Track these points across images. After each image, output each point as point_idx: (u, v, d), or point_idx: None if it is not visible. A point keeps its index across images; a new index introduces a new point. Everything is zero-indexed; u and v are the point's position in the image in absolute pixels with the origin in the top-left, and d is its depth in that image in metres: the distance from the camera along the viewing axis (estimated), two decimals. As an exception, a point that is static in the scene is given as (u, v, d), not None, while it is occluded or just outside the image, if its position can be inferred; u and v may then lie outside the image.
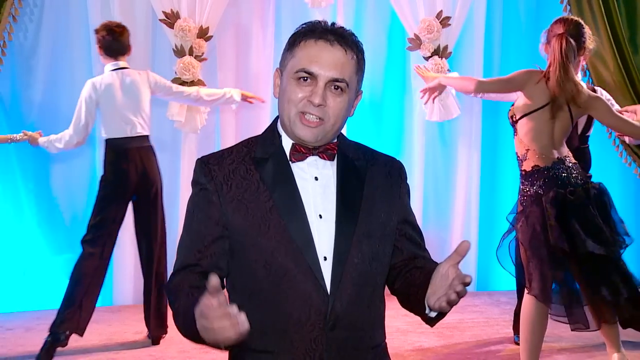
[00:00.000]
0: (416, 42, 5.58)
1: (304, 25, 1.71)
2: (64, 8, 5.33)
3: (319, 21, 1.71)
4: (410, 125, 5.86)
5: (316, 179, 1.69)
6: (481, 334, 4.55)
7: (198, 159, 1.72)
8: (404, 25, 5.59)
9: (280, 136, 1.73)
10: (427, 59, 5.57)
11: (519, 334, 3.65)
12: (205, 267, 1.65)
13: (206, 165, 1.69)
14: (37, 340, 4.17)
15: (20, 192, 5.38)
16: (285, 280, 1.62)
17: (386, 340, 1.81)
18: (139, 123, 4.36)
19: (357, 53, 1.71)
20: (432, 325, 1.69)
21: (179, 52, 5.20)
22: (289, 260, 1.61)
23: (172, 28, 5.17)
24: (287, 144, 1.72)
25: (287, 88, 1.66)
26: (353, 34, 1.73)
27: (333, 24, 1.71)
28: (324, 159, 1.71)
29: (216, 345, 1.48)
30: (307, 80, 1.65)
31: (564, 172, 3.46)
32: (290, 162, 1.69)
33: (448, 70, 5.55)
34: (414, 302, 1.68)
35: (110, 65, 4.38)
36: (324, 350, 1.63)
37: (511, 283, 5.93)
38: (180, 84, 5.16)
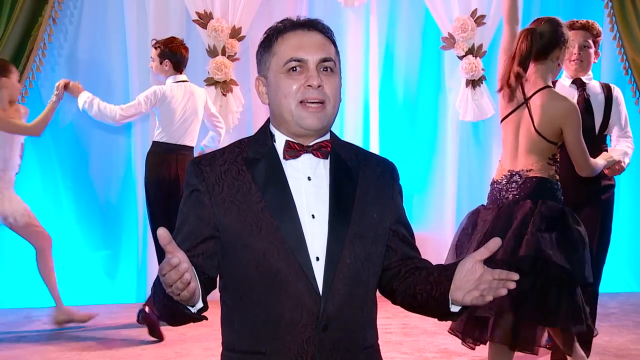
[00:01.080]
0: (450, 41, 5.53)
1: (271, 28, 1.73)
2: (102, 10, 5.45)
3: (285, 19, 1.73)
4: (444, 125, 5.81)
5: (309, 178, 1.69)
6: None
7: (190, 160, 1.73)
8: (437, 24, 5.56)
9: (272, 136, 1.73)
10: (461, 58, 5.53)
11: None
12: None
13: (198, 167, 1.69)
14: (73, 334, 4.26)
15: (59, 190, 5.53)
16: (277, 281, 1.62)
17: (378, 342, 1.80)
18: (193, 134, 4.65)
19: (331, 36, 1.73)
20: (454, 319, 1.70)
21: (212, 52, 5.27)
22: (280, 261, 1.61)
23: (205, 28, 5.24)
24: (280, 143, 1.71)
25: (280, 84, 1.66)
26: (323, 22, 1.74)
27: (298, 17, 1.72)
28: (318, 157, 1.70)
29: (183, 313, 1.52)
30: (297, 69, 1.65)
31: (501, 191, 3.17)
32: (283, 162, 1.69)
33: (482, 69, 5.49)
34: (427, 300, 1.68)
35: (173, 77, 4.61)
36: (317, 351, 1.63)
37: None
38: (212, 84, 5.24)
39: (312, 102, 1.65)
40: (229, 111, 5.25)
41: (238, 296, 1.66)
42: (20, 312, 5.21)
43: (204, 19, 5.24)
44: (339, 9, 5.51)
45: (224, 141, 5.44)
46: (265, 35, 1.72)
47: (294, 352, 1.62)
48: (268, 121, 1.76)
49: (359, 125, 5.76)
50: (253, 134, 1.83)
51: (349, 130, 5.75)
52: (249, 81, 5.48)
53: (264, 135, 1.73)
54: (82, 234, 5.56)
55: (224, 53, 5.25)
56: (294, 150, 1.69)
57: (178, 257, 1.37)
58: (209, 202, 1.66)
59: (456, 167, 5.76)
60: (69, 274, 5.45)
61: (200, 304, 1.56)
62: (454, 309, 1.64)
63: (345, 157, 1.74)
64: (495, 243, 1.56)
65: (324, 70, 1.67)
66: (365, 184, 1.73)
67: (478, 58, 5.50)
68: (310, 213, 1.66)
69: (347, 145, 1.79)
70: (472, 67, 5.44)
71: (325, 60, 1.67)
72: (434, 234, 5.86)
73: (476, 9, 5.51)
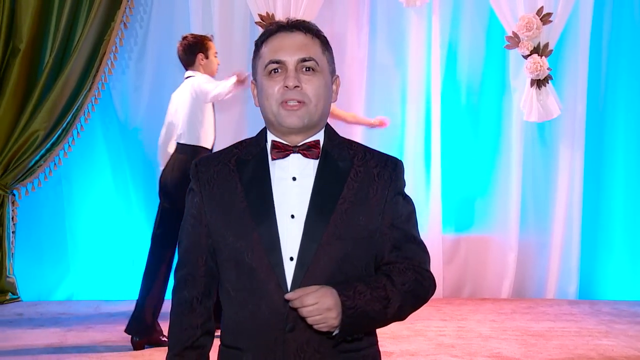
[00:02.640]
0: (514, 40, 5.43)
1: (262, 32, 1.77)
2: (169, 14, 5.64)
3: (274, 22, 1.76)
4: (508, 126, 5.70)
5: (294, 179, 1.69)
6: (568, 344, 4.35)
7: (193, 161, 1.79)
8: (501, 22, 5.46)
9: (266, 137, 1.74)
10: (525, 57, 5.41)
11: None
12: (201, 275, 1.74)
13: (196, 167, 1.75)
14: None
15: (129, 188, 5.75)
16: (250, 280, 1.66)
17: (378, 346, 1.77)
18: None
19: (317, 35, 1.72)
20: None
21: (274, 54, 5.35)
22: (254, 261, 1.64)
23: (267, 31, 5.33)
24: (270, 144, 1.73)
25: (263, 86, 1.69)
26: (312, 22, 1.75)
27: (288, 19, 1.74)
28: (307, 157, 1.70)
29: None
30: (277, 71, 1.67)
31: None
32: (271, 163, 1.70)
33: (548, 68, 5.36)
34: None
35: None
36: (282, 351, 1.65)
37: (616, 292, 5.67)
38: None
39: (291, 102, 1.66)
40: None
41: (223, 293, 1.73)
42: (91, 304, 5.45)
43: (266, 21, 5.33)
44: (402, 9, 5.49)
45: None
46: (256, 41, 1.76)
47: (263, 351, 1.66)
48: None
49: (420, 126, 5.73)
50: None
51: (410, 132, 5.73)
52: (310, 82, 5.55)
53: (260, 136, 1.75)
54: (151, 230, 5.75)
55: (285, 55, 5.33)
56: (280, 150, 1.70)
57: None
58: (201, 202, 1.72)
59: (521, 168, 5.64)
60: (138, 270, 5.66)
61: None
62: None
63: (338, 157, 1.72)
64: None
65: (306, 70, 1.68)
66: (355, 184, 1.69)
67: (544, 57, 5.36)
68: (290, 213, 1.66)
69: (347, 145, 1.75)
70: (537, 67, 5.31)
71: (304, 60, 1.67)
72: (498, 237, 5.77)
73: (542, 7, 5.37)
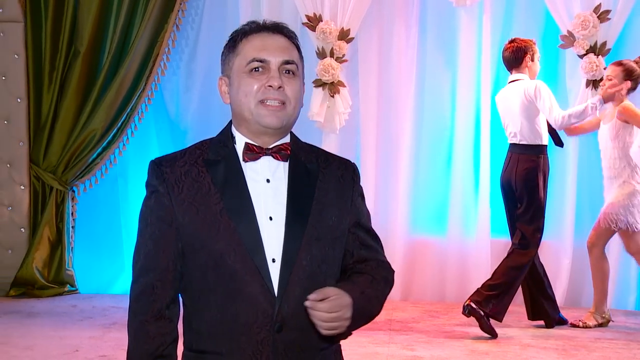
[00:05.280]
0: (569, 40, 5.24)
1: (237, 30, 1.76)
2: (221, 16, 5.76)
3: (252, 21, 1.76)
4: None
5: (268, 180, 1.70)
6: (612, 356, 4.15)
7: (151, 161, 1.75)
8: (556, 21, 5.29)
9: (233, 138, 1.74)
10: (581, 57, 5.21)
11: None
12: (170, 280, 1.70)
13: (158, 167, 1.71)
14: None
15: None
16: (233, 282, 1.65)
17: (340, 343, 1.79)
18: None
19: (295, 41, 1.75)
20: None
21: (321, 54, 5.38)
22: (237, 262, 1.64)
23: (314, 31, 5.35)
24: (240, 145, 1.73)
25: (242, 83, 1.69)
26: (289, 27, 1.77)
27: (264, 21, 1.75)
28: (277, 159, 1.72)
29: None
30: (259, 70, 1.69)
31: None
32: (243, 164, 1.71)
33: (605, 68, 5.14)
34: None
35: None
36: (271, 352, 1.65)
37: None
38: (320, 85, 5.35)
39: (272, 102, 1.68)
40: (336, 112, 5.33)
41: (197, 297, 1.69)
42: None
43: (313, 22, 5.36)
44: (452, 8, 5.40)
45: (331, 143, 5.53)
46: (231, 36, 1.76)
47: (248, 353, 1.65)
48: (230, 123, 1.78)
49: (470, 127, 5.61)
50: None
51: (460, 133, 5.62)
52: (358, 83, 5.54)
53: (225, 137, 1.75)
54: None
55: (332, 55, 5.34)
56: (252, 153, 1.71)
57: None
58: (170, 203, 1.68)
59: (575, 171, 5.44)
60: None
61: None
62: None
63: (306, 159, 1.75)
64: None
65: (286, 72, 1.70)
66: (324, 186, 1.73)
67: (600, 57, 5.15)
68: (268, 215, 1.67)
69: (309, 148, 1.80)
70: (593, 67, 5.11)
71: (287, 62, 1.70)
72: (551, 242, 5.57)
73: (600, 4, 5.16)
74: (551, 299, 4.80)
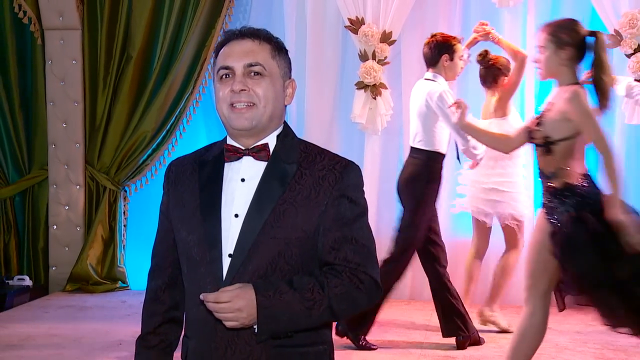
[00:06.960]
0: (616, 39, 5.14)
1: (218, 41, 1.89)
2: (266, 19, 5.83)
3: (227, 30, 1.87)
4: (609, 128, 5.37)
5: (243, 180, 1.78)
6: (652, 362, 4.07)
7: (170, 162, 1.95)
8: (602, 20, 5.19)
9: (225, 140, 1.85)
10: (629, 56, 5.11)
11: None
12: (165, 266, 1.91)
13: (168, 168, 1.91)
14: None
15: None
16: (194, 272, 1.78)
17: (329, 346, 1.83)
18: None
19: (267, 40, 1.80)
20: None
21: (363, 57, 5.42)
22: (198, 255, 1.77)
23: (357, 34, 5.41)
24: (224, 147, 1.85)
25: (216, 91, 1.80)
26: (264, 30, 1.82)
27: (243, 27, 1.83)
28: (257, 159, 1.78)
29: None
30: (227, 76, 1.77)
31: None
32: (226, 165, 1.80)
33: (652, 68, 5.02)
34: None
35: None
36: (213, 341, 1.76)
37: None
38: (362, 87, 5.40)
39: (239, 104, 1.75)
40: (378, 114, 5.37)
41: (185, 285, 1.87)
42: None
43: (355, 25, 5.41)
44: (495, 9, 5.37)
45: (373, 145, 5.56)
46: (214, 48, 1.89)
47: (202, 341, 1.78)
48: None
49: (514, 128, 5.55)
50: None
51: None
52: (400, 85, 5.56)
53: (224, 139, 1.86)
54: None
55: (374, 57, 5.38)
56: (230, 153, 1.80)
57: None
58: (167, 200, 1.87)
59: (622, 173, 5.31)
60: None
61: None
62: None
63: (286, 159, 1.78)
64: None
65: (254, 74, 1.76)
66: (297, 187, 1.75)
67: (649, 56, 5.03)
68: (235, 212, 1.76)
69: (300, 147, 1.82)
70: (640, 66, 5.00)
71: (251, 65, 1.76)
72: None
73: (650, 2, 5.05)
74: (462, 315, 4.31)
